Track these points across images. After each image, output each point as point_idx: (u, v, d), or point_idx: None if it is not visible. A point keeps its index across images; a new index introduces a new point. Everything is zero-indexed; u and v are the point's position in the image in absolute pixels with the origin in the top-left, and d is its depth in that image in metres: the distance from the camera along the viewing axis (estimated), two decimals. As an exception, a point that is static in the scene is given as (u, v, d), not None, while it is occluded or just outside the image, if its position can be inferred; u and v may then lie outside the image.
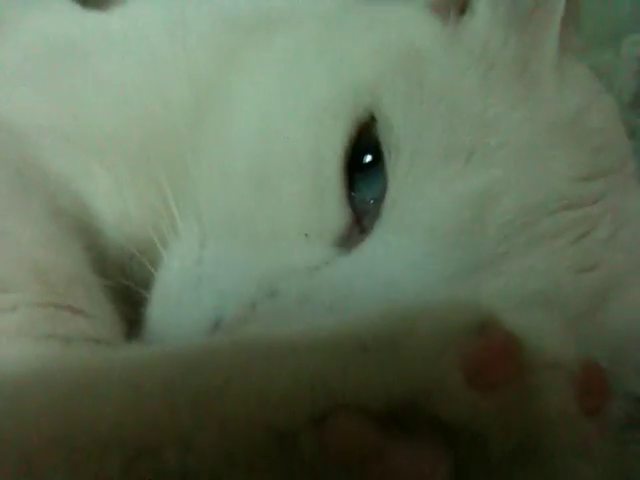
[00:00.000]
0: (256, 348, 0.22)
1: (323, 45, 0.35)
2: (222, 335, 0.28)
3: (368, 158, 0.30)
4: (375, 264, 0.29)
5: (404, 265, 0.28)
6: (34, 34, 0.42)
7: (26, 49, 0.40)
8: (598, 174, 0.31)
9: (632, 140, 0.54)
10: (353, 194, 0.30)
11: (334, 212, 0.30)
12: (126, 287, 0.33)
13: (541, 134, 0.30)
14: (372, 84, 0.31)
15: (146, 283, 0.33)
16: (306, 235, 0.30)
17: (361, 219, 0.30)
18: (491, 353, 0.21)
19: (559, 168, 0.30)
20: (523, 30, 0.32)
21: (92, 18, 0.44)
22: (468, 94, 0.31)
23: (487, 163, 0.29)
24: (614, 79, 0.57)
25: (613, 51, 0.59)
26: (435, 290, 0.28)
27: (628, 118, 0.54)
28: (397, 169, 0.29)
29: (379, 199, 0.30)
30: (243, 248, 0.30)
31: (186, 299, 0.30)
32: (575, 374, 0.22)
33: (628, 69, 0.58)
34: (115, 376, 0.22)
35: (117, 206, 0.36)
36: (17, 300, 0.29)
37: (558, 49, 0.33)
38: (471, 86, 0.31)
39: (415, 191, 0.29)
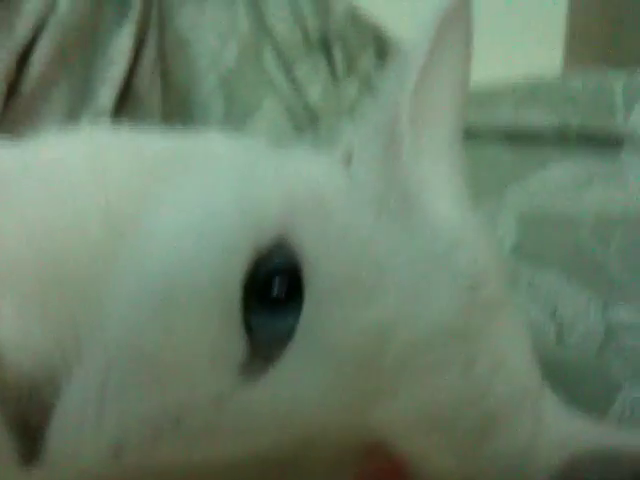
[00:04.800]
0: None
1: (234, 181, 0.37)
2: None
3: (277, 290, 0.32)
4: (281, 393, 0.30)
5: (309, 394, 0.29)
6: None
7: None
8: (478, 308, 0.34)
9: (514, 286, 0.58)
10: (263, 325, 0.32)
11: (237, 340, 0.31)
12: (27, 417, 0.33)
13: (426, 270, 0.33)
14: (280, 217, 0.33)
15: (48, 414, 0.32)
16: (211, 363, 0.31)
17: (271, 349, 0.31)
18: (381, 472, 0.23)
19: (441, 301, 0.32)
20: (396, 176, 0.36)
21: (10, 150, 0.45)
22: (365, 233, 0.33)
23: (385, 297, 0.31)
24: (496, 229, 0.61)
25: (496, 203, 0.64)
26: (339, 415, 0.29)
27: (509, 265, 0.59)
28: (310, 298, 0.31)
29: (291, 330, 0.31)
30: (148, 375, 0.31)
31: (87, 425, 0.30)
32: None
33: (509, 220, 0.62)
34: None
35: (21, 335, 0.36)
36: None
37: (440, 189, 0.36)
38: (367, 226, 0.34)
39: (325, 320, 0.31)
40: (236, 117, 1.02)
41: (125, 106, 0.92)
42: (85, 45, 0.88)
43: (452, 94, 0.38)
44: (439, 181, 0.37)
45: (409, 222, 0.34)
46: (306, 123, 1.09)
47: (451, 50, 0.38)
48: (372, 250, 0.33)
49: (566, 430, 0.36)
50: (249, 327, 0.31)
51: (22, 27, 0.82)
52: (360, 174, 0.36)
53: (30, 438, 0.32)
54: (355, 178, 0.36)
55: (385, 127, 0.37)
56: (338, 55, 1.17)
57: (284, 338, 0.31)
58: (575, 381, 0.49)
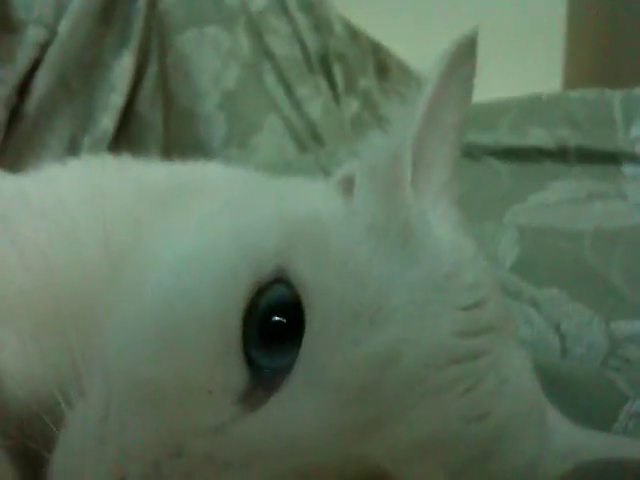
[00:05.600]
0: None
1: (233, 212, 0.38)
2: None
3: (276, 319, 0.32)
4: (281, 421, 0.30)
5: (310, 421, 0.30)
6: None
7: None
8: (479, 330, 0.34)
9: (517, 301, 0.59)
10: (263, 356, 0.32)
11: (237, 371, 0.31)
12: (28, 447, 0.33)
13: (426, 296, 0.33)
14: (279, 248, 0.33)
15: (49, 443, 0.32)
16: (210, 393, 0.31)
17: (272, 379, 0.31)
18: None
19: (443, 325, 0.33)
20: (397, 206, 0.36)
21: (8, 182, 0.46)
22: (365, 261, 0.33)
23: (387, 324, 0.31)
24: (497, 246, 0.62)
25: (496, 221, 0.64)
26: (339, 444, 0.29)
27: (511, 281, 0.59)
28: (311, 328, 0.31)
29: (291, 360, 0.31)
30: (149, 406, 0.31)
31: (88, 458, 0.30)
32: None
33: (510, 237, 0.63)
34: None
35: (21, 364, 0.36)
36: None
37: (438, 220, 0.36)
38: (367, 254, 0.34)
39: (325, 350, 0.31)
40: (239, 135, 1.03)
41: (128, 128, 0.92)
42: (86, 71, 0.89)
43: (453, 132, 0.39)
44: (439, 211, 0.37)
45: (409, 250, 0.34)
46: (308, 140, 1.09)
47: (456, 90, 0.38)
48: (372, 279, 0.33)
49: (570, 442, 0.36)
50: (249, 358, 0.31)
51: (24, 55, 0.83)
52: (361, 203, 0.37)
53: (33, 467, 0.32)
54: (356, 207, 0.37)
55: (389, 161, 0.37)
56: (338, 73, 1.18)
57: (284, 368, 0.31)
58: (580, 394, 0.49)
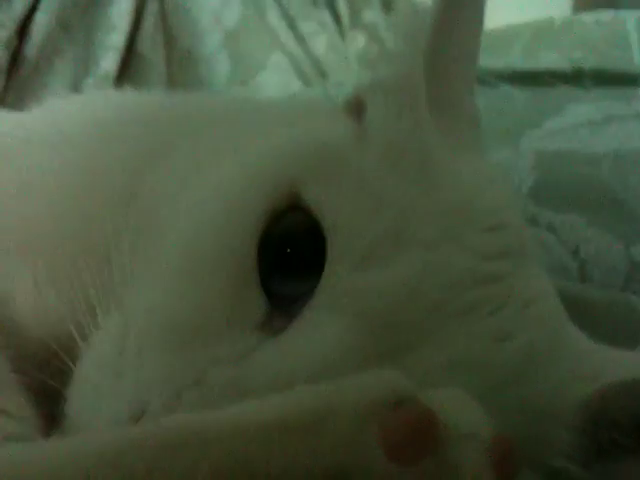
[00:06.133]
0: (179, 435, 0.22)
1: (243, 143, 0.37)
2: (146, 423, 0.28)
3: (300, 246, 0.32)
4: (303, 345, 0.29)
5: (333, 345, 0.29)
6: None
7: None
8: (501, 253, 0.33)
9: (534, 227, 0.58)
10: (283, 283, 0.31)
11: (254, 299, 0.31)
12: (46, 383, 0.33)
13: (447, 217, 0.32)
14: (292, 174, 0.33)
15: (67, 380, 0.32)
16: (229, 322, 0.30)
17: (291, 306, 0.31)
18: (408, 428, 0.22)
19: (465, 247, 0.32)
20: (413, 128, 0.35)
21: (12, 118, 0.45)
22: (383, 183, 0.33)
23: (408, 247, 0.31)
24: (513, 173, 0.61)
25: (512, 147, 0.63)
26: (365, 368, 0.28)
27: (528, 208, 0.58)
28: (332, 253, 0.31)
29: (312, 286, 0.31)
30: (167, 339, 0.30)
31: (106, 391, 0.30)
32: (488, 445, 0.24)
33: (526, 162, 0.61)
34: (35, 465, 0.21)
35: (36, 302, 0.36)
36: None
37: (455, 141, 0.35)
38: (384, 176, 0.33)
39: (348, 275, 0.30)
40: (242, 74, 1.01)
41: (130, 68, 0.91)
42: (85, 11, 0.87)
43: (467, 48, 0.37)
44: (456, 132, 0.36)
45: (428, 172, 0.34)
46: (313, 77, 1.07)
47: (466, 9, 0.37)
48: (391, 202, 0.32)
49: (595, 363, 0.35)
50: (268, 286, 0.31)
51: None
52: (374, 124, 0.36)
53: (51, 404, 0.32)
54: (369, 128, 0.36)
55: (401, 81, 0.36)
56: (343, 8, 1.15)
57: (304, 295, 0.30)
58: (600, 317, 0.48)
